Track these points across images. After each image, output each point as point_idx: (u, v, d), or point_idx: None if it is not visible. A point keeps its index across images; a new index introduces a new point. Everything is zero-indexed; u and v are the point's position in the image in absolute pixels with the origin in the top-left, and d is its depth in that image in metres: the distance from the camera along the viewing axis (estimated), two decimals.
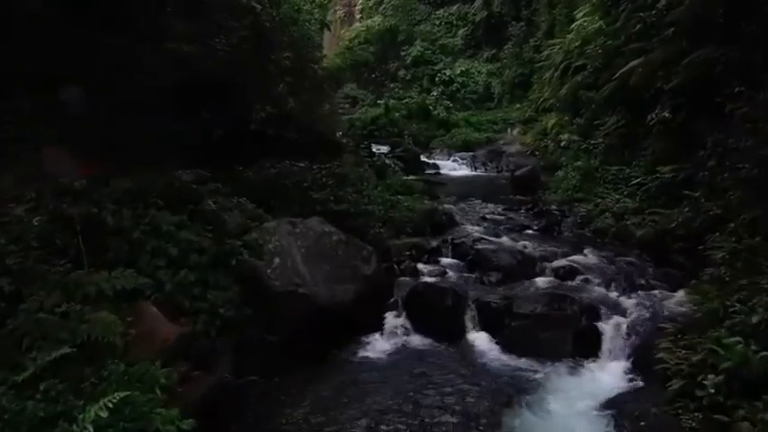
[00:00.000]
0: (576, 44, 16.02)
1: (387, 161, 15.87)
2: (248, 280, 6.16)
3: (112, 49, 7.69)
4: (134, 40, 8.07)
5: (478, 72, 28.66)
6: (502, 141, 21.90)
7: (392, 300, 7.01)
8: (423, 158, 19.71)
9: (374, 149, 18.60)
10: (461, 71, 28.75)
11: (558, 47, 18.91)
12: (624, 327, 6.26)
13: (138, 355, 4.71)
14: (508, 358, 6.08)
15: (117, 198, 5.94)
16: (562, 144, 15.10)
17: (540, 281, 7.73)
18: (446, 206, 11.95)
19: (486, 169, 19.68)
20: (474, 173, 19.48)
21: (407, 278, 7.87)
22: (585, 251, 8.97)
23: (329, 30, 20.29)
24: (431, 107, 25.18)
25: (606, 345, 6.10)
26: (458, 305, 6.77)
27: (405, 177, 15.07)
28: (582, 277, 7.78)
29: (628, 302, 6.87)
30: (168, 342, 5.05)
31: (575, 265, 8.14)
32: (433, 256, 8.74)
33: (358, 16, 36.23)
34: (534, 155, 18.01)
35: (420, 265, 8.29)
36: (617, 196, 11.07)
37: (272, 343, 5.97)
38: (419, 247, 8.86)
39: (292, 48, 12.41)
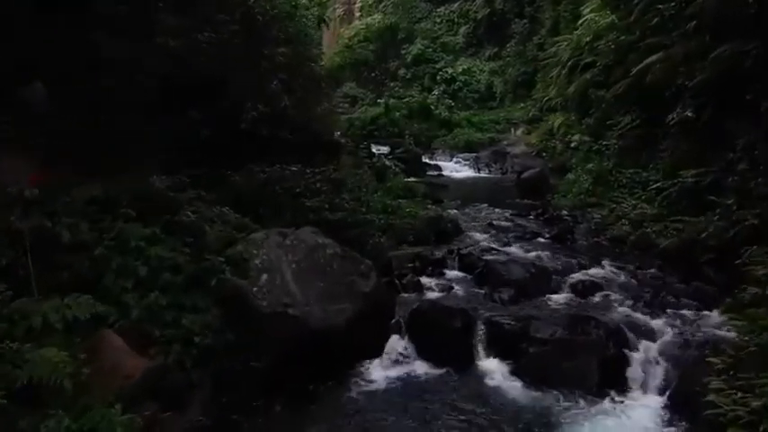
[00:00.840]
0: (587, 39, 15.26)
1: (387, 163, 15.24)
2: (231, 300, 5.44)
3: (85, 42, 7.02)
4: (108, 32, 7.39)
5: (480, 71, 27.95)
6: (506, 142, 21.19)
7: (393, 320, 6.26)
8: (424, 159, 19.05)
9: (374, 150, 18.09)
10: (463, 70, 28.04)
11: (564, 44, 18.17)
12: (656, 354, 5.53)
13: (97, 397, 4.00)
14: (525, 390, 5.33)
15: (80, 208, 5.25)
16: (572, 145, 14.34)
17: (557, 298, 6.99)
18: (450, 211, 11.21)
19: (489, 171, 18.97)
20: (477, 174, 18.77)
21: (410, 294, 7.13)
22: (604, 262, 8.22)
23: (327, 26, 19.50)
24: (432, 106, 24.48)
25: (637, 376, 5.35)
26: (467, 327, 6.03)
27: (406, 179, 14.43)
28: (602, 294, 7.04)
29: (657, 324, 6.13)
30: (133, 378, 4.34)
31: (594, 279, 7.39)
32: (437, 268, 7.99)
33: (357, 14, 35.58)
34: (541, 156, 17.28)
35: (424, 279, 7.55)
36: (634, 201, 10.33)
37: (256, 373, 5.27)
38: (423, 258, 8.11)
39: (288, 44, 11.78)
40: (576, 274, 7.63)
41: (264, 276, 5.74)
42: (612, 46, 13.35)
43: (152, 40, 7.99)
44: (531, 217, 11.47)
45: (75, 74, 6.81)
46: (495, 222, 10.91)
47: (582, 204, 11.68)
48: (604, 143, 12.75)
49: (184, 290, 5.14)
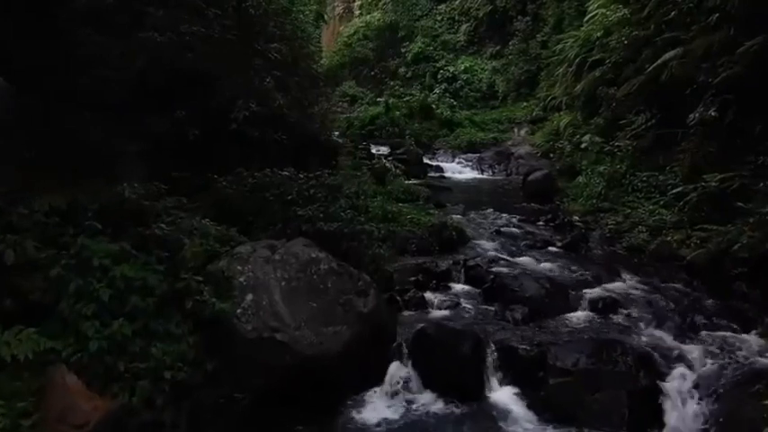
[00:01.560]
0: (597, 35, 14.59)
1: (387, 164, 14.60)
2: (210, 325, 4.79)
3: (65, 36, 6.43)
4: (90, 26, 6.79)
5: (482, 69, 27.27)
6: (510, 142, 20.51)
7: (395, 344, 5.60)
8: (425, 160, 18.39)
9: (373, 151, 17.52)
10: (464, 68, 27.38)
11: (571, 41, 17.49)
12: (693, 386, 4.87)
13: None
14: (543, 429, 4.69)
15: (38, 221, 4.59)
16: (582, 146, 13.65)
17: (576, 317, 6.32)
18: (454, 217, 10.55)
19: (493, 172, 18.31)
20: (481, 176, 18.12)
21: (413, 312, 6.48)
22: (623, 275, 7.57)
23: (325, 23, 18.89)
24: (433, 105, 23.83)
25: (672, 412, 4.71)
26: (477, 352, 5.37)
27: (406, 182, 13.82)
28: (625, 312, 6.37)
29: (690, 349, 5.46)
30: (87, 427, 3.68)
31: (614, 295, 6.73)
32: (442, 281, 7.32)
33: (357, 12, 34.93)
34: (548, 157, 16.59)
35: (428, 294, 6.88)
36: (651, 207, 9.66)
37: (238, 408, 4.63)
38: (426, 270, 7.45)
39: (283, 40, 11.16)
40: (595, 289, 6.97)
41: (249, 296, 5.10)
42: (625, 42, 12.66)
43: (137, 35, 7.39)
44: (541, 223, 10.80)
45: (48, 70, 6.21)
46: (502, 229, 10.24)
47: (594, 209, 11.01)
48: (617, 144, 12.05)
49: (155, 315, 4.48)
